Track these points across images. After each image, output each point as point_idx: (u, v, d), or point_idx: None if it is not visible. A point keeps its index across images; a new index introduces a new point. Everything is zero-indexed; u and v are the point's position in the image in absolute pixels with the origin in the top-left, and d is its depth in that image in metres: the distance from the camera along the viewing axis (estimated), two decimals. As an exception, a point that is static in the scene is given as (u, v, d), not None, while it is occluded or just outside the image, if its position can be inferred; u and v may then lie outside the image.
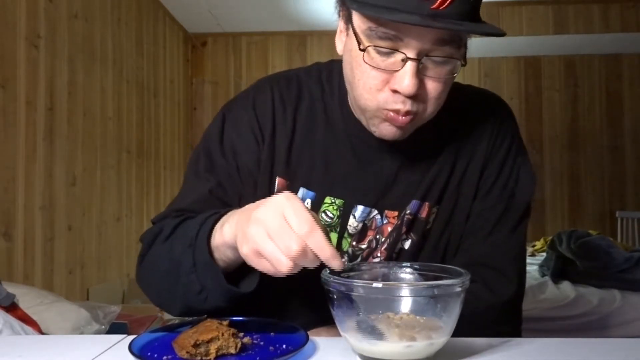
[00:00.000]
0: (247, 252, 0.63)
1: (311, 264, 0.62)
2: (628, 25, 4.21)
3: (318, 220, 0.62)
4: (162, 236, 0.79)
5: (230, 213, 0.71)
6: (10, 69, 2.22)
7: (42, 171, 2.42)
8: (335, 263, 0.61)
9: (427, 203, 0.86)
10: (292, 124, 0.87)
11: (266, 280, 0.86)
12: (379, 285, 0.60)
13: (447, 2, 0.67)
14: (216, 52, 4.75)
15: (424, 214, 0.86)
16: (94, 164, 2.94)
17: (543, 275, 2.63)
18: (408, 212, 0.86)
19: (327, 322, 0.77)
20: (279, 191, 0.86)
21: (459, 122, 0.88)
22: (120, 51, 3.28)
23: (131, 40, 3.46)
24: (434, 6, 0.67)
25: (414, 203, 0.86)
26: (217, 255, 0.71)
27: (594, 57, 4.71)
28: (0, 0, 2.16)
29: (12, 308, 1.46)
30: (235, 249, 0.67)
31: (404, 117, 0.75)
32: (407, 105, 0.74)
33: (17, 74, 2.26)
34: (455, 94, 0.80)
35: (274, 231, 0.61)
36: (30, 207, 2.33)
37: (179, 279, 0.74)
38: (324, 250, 0.60)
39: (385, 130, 0.78)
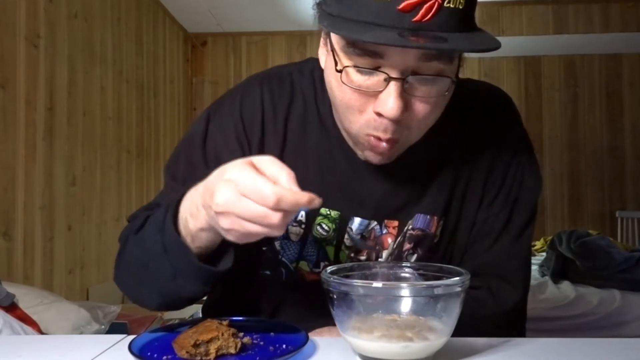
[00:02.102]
0: (228, 226, 0.58)
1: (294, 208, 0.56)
2: (628, 25, 4.21)
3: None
4: (134, 230, 0.76)
5: (188, 197, 0.68)
6: (10, 69, 2.21)
7: (42, 171, 2.42)
8: (316, 202, 0.56)
9: (435, 217, 0.81)
10: (284, 128, 0.80)
11: (266, 281, 0.86)
12: (379, 285, 0.60)
13: (432, 13, 0.59)
14: (216, 52, 4.75)
15: (433, 229, 0.82)
16: (94, 164, 2.94)
17: (543, 275, 2.63)
18: (411, 227, 0.81)
19: (326, 322, 0.75)
20: None
21: (460, 124, 0.82)
22: (120, 51, 3.28)
23: (131, 40, 3.46)
24: (416, 18, 0.59)
25: (422, 218, 0.81)
26: (191, 244, 0.68)
27: (594, 57, 4.71)
28: (0, 1, 2.16)
29: (11, 308, 1.46)
30: (209, 230, 0.64)
31: (385, 145, 0.70)
32: (389, 133, 0.68)
33: (17, 74, 2.26)
34: (456, 91, 0.74)
35: (245, 187, 0.55)
36: (30, 207, 2.33)
37: (151, 268, 0.71)
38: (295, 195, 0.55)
39: (369, 157, 0.74)
